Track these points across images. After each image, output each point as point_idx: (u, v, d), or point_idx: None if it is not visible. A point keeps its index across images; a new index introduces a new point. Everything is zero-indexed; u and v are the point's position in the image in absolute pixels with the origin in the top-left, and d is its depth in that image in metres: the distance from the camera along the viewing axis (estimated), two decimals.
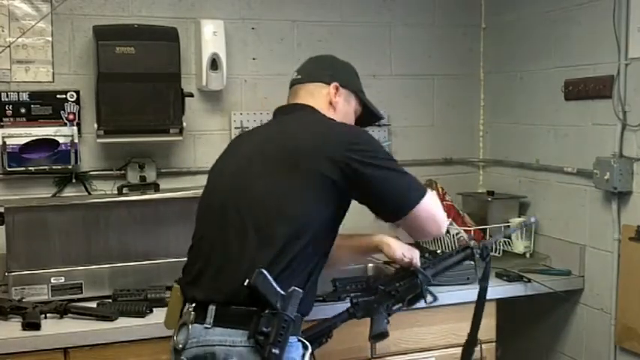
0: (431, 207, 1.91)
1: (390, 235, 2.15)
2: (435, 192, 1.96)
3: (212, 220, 1.88)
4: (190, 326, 1.73)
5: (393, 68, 3.36)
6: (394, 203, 1.87)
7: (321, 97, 2.02)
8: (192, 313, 1.75)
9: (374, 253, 2.22)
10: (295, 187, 1.78)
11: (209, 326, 1.71)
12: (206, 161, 2.80)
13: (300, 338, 1.80)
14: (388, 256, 2.13)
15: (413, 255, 2.09)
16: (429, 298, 2.10)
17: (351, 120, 2.08)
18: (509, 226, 2.97)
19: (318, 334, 1.97)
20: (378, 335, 1.99)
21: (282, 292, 1.68)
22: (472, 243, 2.18)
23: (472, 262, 2.34)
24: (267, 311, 1.66)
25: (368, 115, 2.17)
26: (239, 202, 1.82)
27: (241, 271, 1.70)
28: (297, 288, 1.71)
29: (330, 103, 2.02)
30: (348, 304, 2.49)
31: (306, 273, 1.79)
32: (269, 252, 1.72)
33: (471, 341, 2.18)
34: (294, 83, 2.08)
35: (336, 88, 2.03)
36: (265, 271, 1.68)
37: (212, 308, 1.71)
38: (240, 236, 1.76)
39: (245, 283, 1.66)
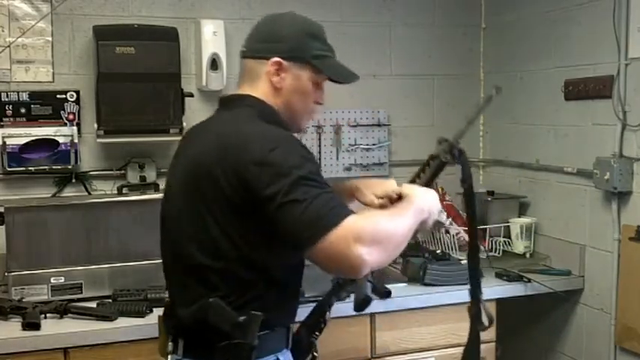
0: (338, 243, 1.45)
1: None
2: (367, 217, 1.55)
3: (163, 239, 1.79)
4: (169, 357, 1.74)
5: (393, 68, 3.36)
6: (293, 238, 1.50)
7: (262, 79, 1.71)
8: (171, 344, 1.74)
9: (349, 201, 1.88)
10: (204, 214, 1.60)
11: (180, 357, 1.70)
12: None
13: (278, 357, 1.70)
14: (361, 203, 1.86)
15: (386, 193, 1.80)
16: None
17: (306, 97, 1.74)
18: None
19: (315, 321, 1.89)
20: (361, 302, 1.81)
21: (239, 319, 1.58)
22: (439, 149, 1.86)
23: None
24: (224, 342, 1.59)
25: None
26: (171, 225, 1.72)
27: (193, 303, 1.64)
28: (255, 312, 1.58)
29: (273, 84, 1.71)
30: (347, 304, 2.49)
31: (273, 292, 1.64)
32: (208, 283, 1.62)
33: (473, 247, 1.89)
34: (241, 56, 1.81)
35: (278, 65, 1.69)
36: (217, 300, 1.59)
37: (181, 341, 1.70)
38: (179, 264, 1.69)
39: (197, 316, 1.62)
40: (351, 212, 1.50)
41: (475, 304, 1.89)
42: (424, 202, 1.67)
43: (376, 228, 1.49)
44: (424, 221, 1.67)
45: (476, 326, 1.91)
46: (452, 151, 1.84)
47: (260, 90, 1.71)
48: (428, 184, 1.80)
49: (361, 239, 1.44)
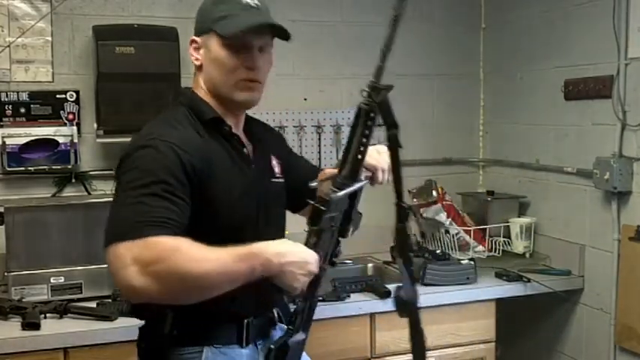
0: (115, 260, 1.39)
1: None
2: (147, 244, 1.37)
3: None
4: None
5: (393, 68, 3.34)
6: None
7: (193, 62, 1.69)
8: None
9: None
10: None
11: None
12: None
13: (204, 349, 1.59)
14: None
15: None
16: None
17: (223, 66, 1.61)
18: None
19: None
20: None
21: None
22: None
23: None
24: (144, 326, 1.67)
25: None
26: None
27: None
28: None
29: (195, 65, 1.67)
30: (346, 304, 2.51)
31: None
32: None
33: (401, 211, 1.61)
34: None
35: (193, 43, 1.65)
36: None
37: None
38: None
39: None
40: (158, 232, 1.38)
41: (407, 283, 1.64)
42: (265, 251, 1.43)
43: (168, 259, 1.35)
44: (275, 272, 1.43)
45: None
46: (372, 97, 1.61)
47: (196, 75, 1.69)
48: (363, 144, 1.56)
49: (142, 263, 1.34)
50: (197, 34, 1.64)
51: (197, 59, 1.65)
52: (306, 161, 2.02)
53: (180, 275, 1.36)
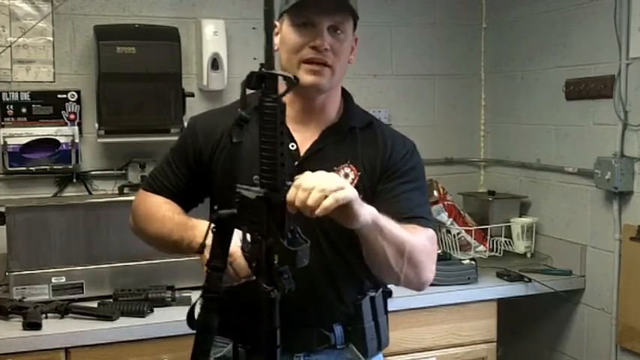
0: None
1: None
2: None
3: None
4: None
5: (394, 68, 3.36)
6: None
7: None
8: None
9: None
10: None
11: None
12: None
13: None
14: None
15: None
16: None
17: (287, 46, 1.55)
18: None
19: None
20: None
21: None
22: None
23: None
24: None
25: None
26: None
27: None
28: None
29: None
30: None
31: None
32: None
33: None
34: None
35: (275, 28, 1.55)
36: None
37: None
38: None
39: None
40: (151, 185, 1.71)
41: None
42: (197, 228, 1.50)
43: (136, 207, 1.73)
44: (195, 251, 1.44)
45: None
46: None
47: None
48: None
49: (133, 205, 1.74)
50: (277, 20, 1.57)
51: (276, 44, 1.55)
52: (406, 200, 1.63)
53: (137, 222, 1.72)
